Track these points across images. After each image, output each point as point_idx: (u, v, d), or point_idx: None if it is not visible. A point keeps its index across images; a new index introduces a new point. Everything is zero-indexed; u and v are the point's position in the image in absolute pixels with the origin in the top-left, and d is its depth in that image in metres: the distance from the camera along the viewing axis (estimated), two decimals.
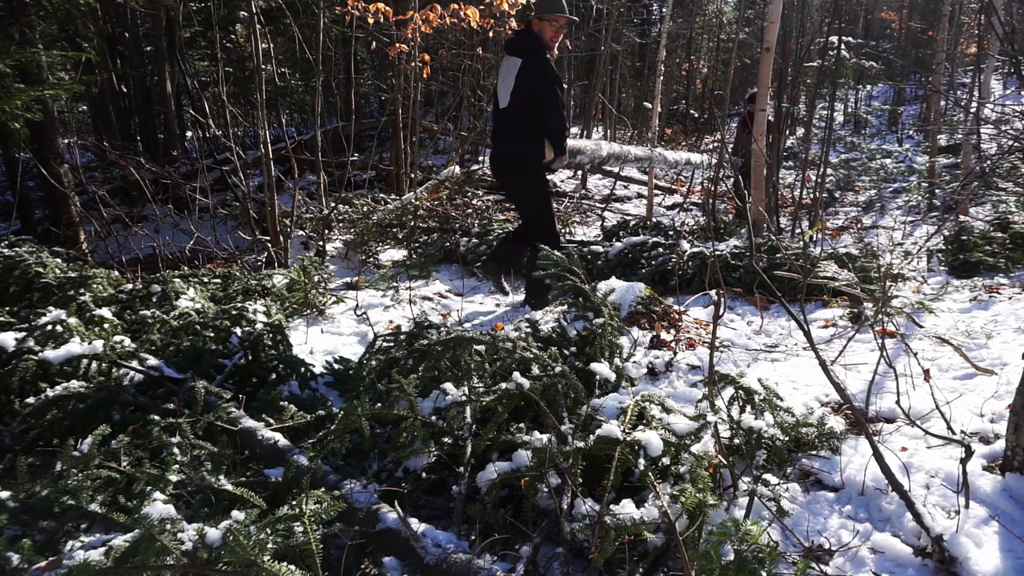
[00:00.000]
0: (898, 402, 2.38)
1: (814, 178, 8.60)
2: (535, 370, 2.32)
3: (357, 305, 4.43)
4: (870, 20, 20.92)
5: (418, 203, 6.67)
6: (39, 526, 1.75)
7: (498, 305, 4.77)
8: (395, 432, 2.07)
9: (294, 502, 1.56)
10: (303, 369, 2.92)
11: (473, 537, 1.75)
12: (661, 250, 5.14)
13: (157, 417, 2.20)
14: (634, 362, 2.99)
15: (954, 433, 2.21)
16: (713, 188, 7.93)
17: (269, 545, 1.44)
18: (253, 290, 3.99)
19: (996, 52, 9.52)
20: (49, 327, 2.63)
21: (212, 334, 2.89)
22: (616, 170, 10.16)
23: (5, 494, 1.78)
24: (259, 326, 3.00)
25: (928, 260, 5.52)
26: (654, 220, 6.99)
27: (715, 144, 13.22)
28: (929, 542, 1.78)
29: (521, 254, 4.46)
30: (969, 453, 1.92)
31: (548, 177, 4.38)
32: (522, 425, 2.08)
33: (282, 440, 2.14)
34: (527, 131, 4.03)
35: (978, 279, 4.78)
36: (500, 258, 4.61)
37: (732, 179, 7.73)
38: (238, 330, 2.98)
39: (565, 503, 1.75)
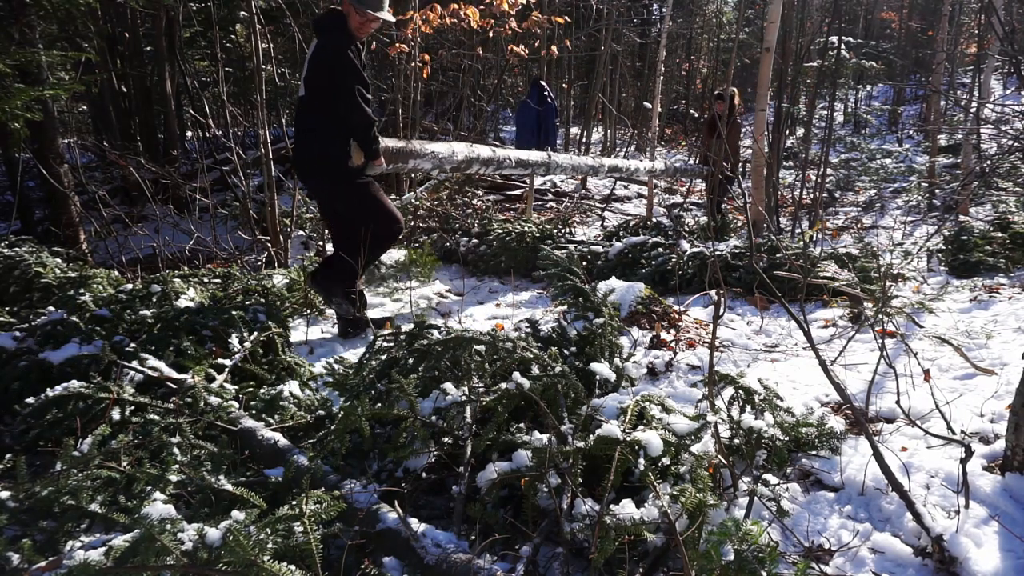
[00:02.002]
0: (898, 402, 2.38)
1: (814, 178, 8.61)
2: (535, 370, 2.32)
3: None
4: (870, 20, 20.92)
5: (418, 203, 6.67)
6: (39, 526, 1.75)
7: (498, 305, 4.77)
8: (395, 432, 2.07)
9: (294, 502, 1.56)
10: (303, 369, 2.92)
11: (473, 537, 1.75)
12: (661, 250, 5.14)
13: (157, 417, 2.20)
14: (634, 362, 2.99)
15: (954, 433, 2.22)
16: (713, 188, 7.92)
17: (269, 545, 1.44)
18: (253, 290, 3.99)
19: (996, 52, 9.53)
20: (49, 327, 2.63)
21: (212, 334, 2.89)
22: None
23: (5, 494, 1.78)
24: (259, 326, 3.00)
25: (928, 260, 5.52)
26: (654, 220, 7.00)
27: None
28: (929, 542, 1.78)
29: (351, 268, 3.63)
30: (969, 453, 1.92)
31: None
32: (522, 425, 2.08)
33: (282, 440, 2.14)
34: (328, 125, 3.39)
35: (978, 279, 4.78)
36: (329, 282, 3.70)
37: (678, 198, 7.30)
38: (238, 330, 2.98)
39: (565, 503, 1.75)
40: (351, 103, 3.30)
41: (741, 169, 7.82)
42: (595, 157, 7.20)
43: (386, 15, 3.45)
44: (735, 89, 7.63)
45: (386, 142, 3.71)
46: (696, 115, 19.37)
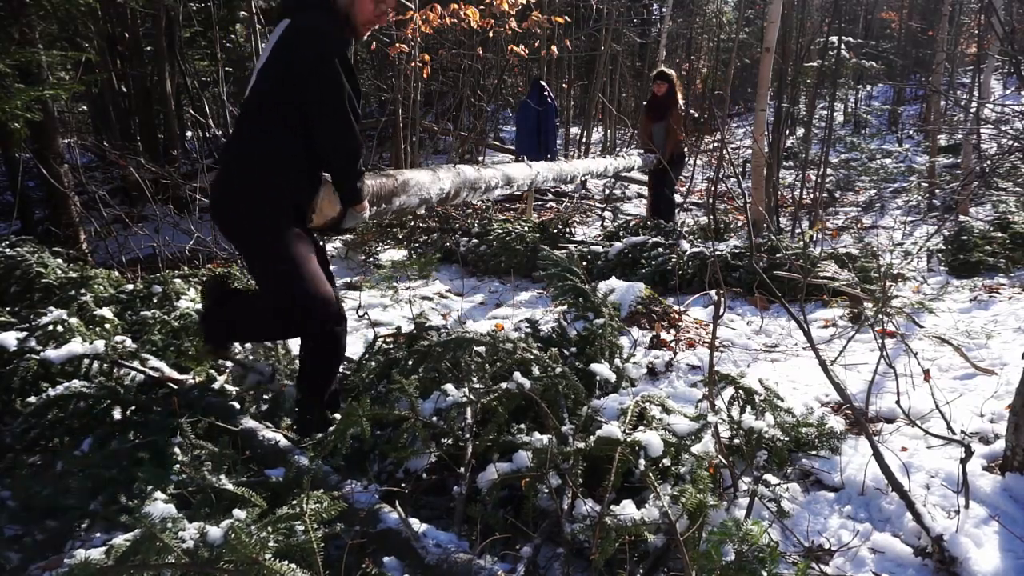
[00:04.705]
0: (898, 402, 2.38)
1: (814, 178, 8.61)
2: (535, 371, 2.32)
3: (358, 305, 4.43)
4: (870, 20, 20.91)
5: None
6: (40, 525, 1.76)
7: (499, 305, 4.77)
8: (396, 433, 2.07)
9: (295, 501, 1.57)
10: None
11: (474, 537, 1.76)
12: (661, 250, 5.15)
13: (158, 417, 2.20)
14: (634, 362, 2.98)
15: (954, 433, 2.22)
16: (713, 188, 7.91)
17: (271, 544, 1.44)
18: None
19: (996, 52, 9.54)
20: (50, 327, 2.63)
21: None
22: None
23: (6, 494, 1.79)
24: None
25: (928, 260, 5.52)
26: (653, 220, 6.98)
27: (715, 143, 13.23)
28: (929, 542, 1.79)
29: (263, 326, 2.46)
30: (969, 453, 1.92)
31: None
32: (523, 426, 2.08)
33: (283, 440, 2.15)
34: (266, 139, 2.23)
35: (978, 279, 4.79)
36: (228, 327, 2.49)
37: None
38: None
39: (566, 504, 1.76)
40: (342, 121, 2.16)
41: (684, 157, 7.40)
42: (570, 161, 6.84)
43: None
44: (672, 72, 7.30)
45: (366, 180, 2.58)
46: (696, 115, 19.37)
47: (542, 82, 9.90)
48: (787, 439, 2.21)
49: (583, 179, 7.54)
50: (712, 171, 11.31)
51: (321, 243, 2.46)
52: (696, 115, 18.31)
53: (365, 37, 2.45)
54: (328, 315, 2.23)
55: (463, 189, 4.02)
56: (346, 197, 2.33)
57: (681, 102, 6.97)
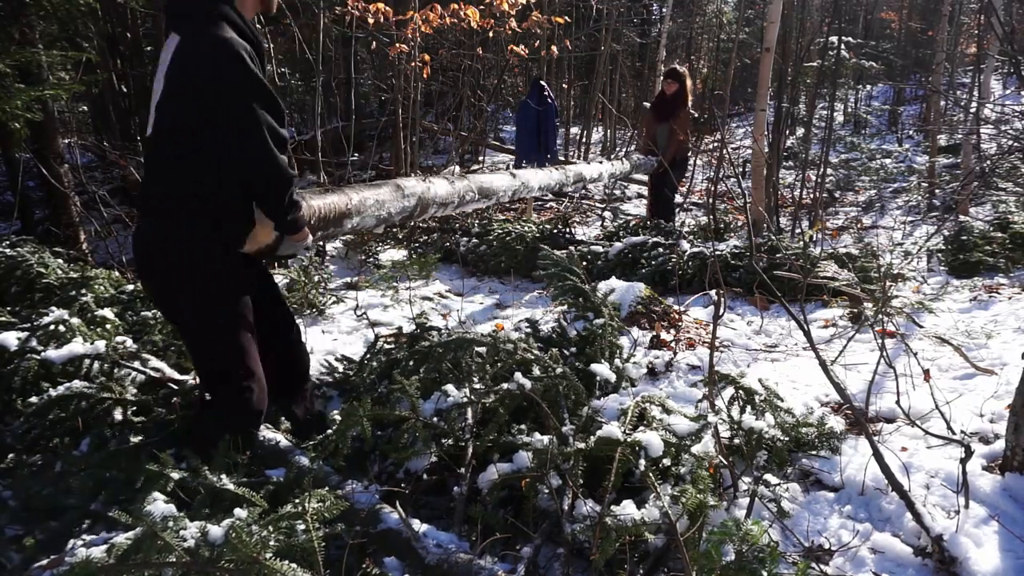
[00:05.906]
0: (898, 402, 2.39)
1: (814, 178, 8.61)
2: (536, 371, 2.32)
3: (357, 305, 4.43)
4: (870, 20, 20.91)
5: None
6: (41, 525, 1.76)
7: (499, 306, 4.78)
8: (396, 433, 2.07)
9: (296, 501, 1.57)
10: None
11: (474, 537, 1.76)
12: (661, 250, 5.15)
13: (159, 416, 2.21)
14: (634, 362, 2.98)
15: (954, 433, 2.22)
16: (713, 188, 7.91)
17: (271, 543, 1.44)
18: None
19: (996, 52, 9.54)
20: (51, 327, 2.63)
21: None
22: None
23: (7, 494, 1.79)
24: None
25: (928, 260, 5.52)
26: (653, 220, 6.98)
27: (715, 143, 13.23)
28: (929, 542, 1.79)
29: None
30: (969, 453, 1.92)
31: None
32: (523, 426, 2.08)
33: (283, 441, 2.15)
34: (178, 185, 1.91)
35: (978, 279, 4.79)
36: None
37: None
38: None
39: (566, 504, 1.76)
40: (251, 140, 1.82)
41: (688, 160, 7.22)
42: (561, 168, 6.41)
43: None
44: (685, 71, 7.20)
45: (311, 201, 2.38)
46: (696, 115, 19.37)
47: (542, 82, 9.89)
48: (787, 439, 2.21)
49: (576, 185, 7.34)
50: (712, 171, 11.31)
51: (266, 267, 2.30)
52: (696, 115, 18.33)
53: (273, 10, 2.10)
54: (248, 392, 2.01)
55: (431, 206, 3.62)
56: (278, 226, 2.03)
57: (690, 104, 6.92)
